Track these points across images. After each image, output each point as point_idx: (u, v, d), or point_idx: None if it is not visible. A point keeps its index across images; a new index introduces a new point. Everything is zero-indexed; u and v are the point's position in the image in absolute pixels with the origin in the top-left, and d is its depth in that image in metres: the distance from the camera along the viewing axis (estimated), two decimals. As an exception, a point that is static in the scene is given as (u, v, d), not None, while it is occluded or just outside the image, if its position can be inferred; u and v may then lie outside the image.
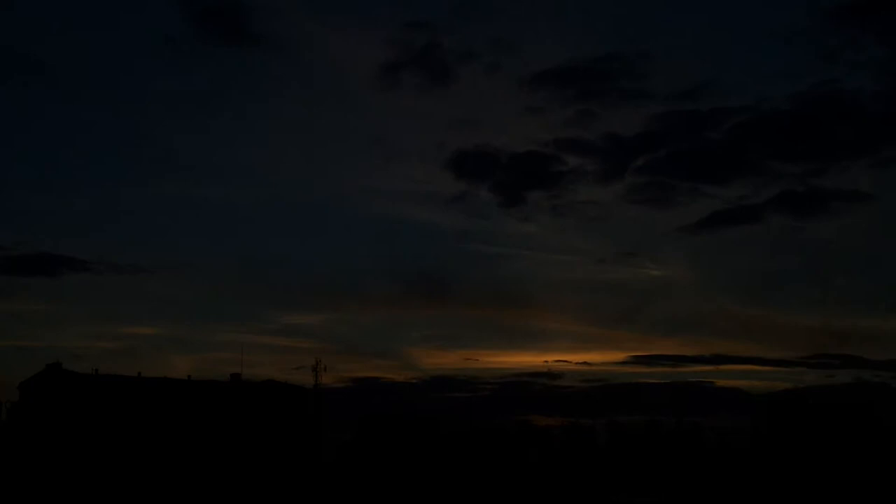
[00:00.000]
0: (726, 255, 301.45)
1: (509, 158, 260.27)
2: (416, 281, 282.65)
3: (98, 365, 79.78)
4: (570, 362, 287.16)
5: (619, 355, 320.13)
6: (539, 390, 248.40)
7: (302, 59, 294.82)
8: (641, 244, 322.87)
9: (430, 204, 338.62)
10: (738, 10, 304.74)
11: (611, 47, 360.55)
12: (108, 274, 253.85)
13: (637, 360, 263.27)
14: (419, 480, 76.93)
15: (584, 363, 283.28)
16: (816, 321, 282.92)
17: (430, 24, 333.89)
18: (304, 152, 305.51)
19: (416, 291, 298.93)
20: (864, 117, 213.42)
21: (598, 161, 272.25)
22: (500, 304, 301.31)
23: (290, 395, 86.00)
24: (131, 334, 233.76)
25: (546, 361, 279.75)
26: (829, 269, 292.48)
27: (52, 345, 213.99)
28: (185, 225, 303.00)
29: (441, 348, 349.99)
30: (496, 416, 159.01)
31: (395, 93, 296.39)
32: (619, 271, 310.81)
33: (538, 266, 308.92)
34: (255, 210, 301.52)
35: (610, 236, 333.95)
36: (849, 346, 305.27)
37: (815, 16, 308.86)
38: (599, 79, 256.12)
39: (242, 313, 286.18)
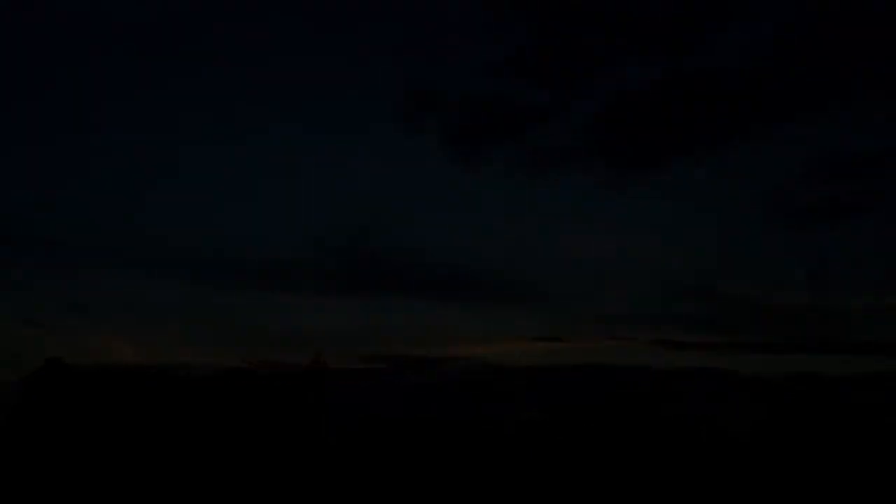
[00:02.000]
0: (715, 223, 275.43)
1: (459, 97, 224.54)
2: (346, 253, 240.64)
3: None
4: (543, 347, 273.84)
5: (604, 340, 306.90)
6: (508, 378, 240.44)
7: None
8: (619, 210, 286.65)
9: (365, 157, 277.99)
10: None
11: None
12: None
13: (628, 347, 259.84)
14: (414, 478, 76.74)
15: (559, 347, 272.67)
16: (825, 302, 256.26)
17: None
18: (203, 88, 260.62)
19: (336, 265, 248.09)
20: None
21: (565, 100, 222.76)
22: (455, 281, 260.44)
23: (292, 389, 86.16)
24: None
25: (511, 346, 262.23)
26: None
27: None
28: (79, 188, 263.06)
29: (387, 333, 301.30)
30: (458, 410, 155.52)
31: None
32: (593, 240, 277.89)
33: (503, 236, 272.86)
34: (145, 160, 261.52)
35: (583, 198, 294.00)
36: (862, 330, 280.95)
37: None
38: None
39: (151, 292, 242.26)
